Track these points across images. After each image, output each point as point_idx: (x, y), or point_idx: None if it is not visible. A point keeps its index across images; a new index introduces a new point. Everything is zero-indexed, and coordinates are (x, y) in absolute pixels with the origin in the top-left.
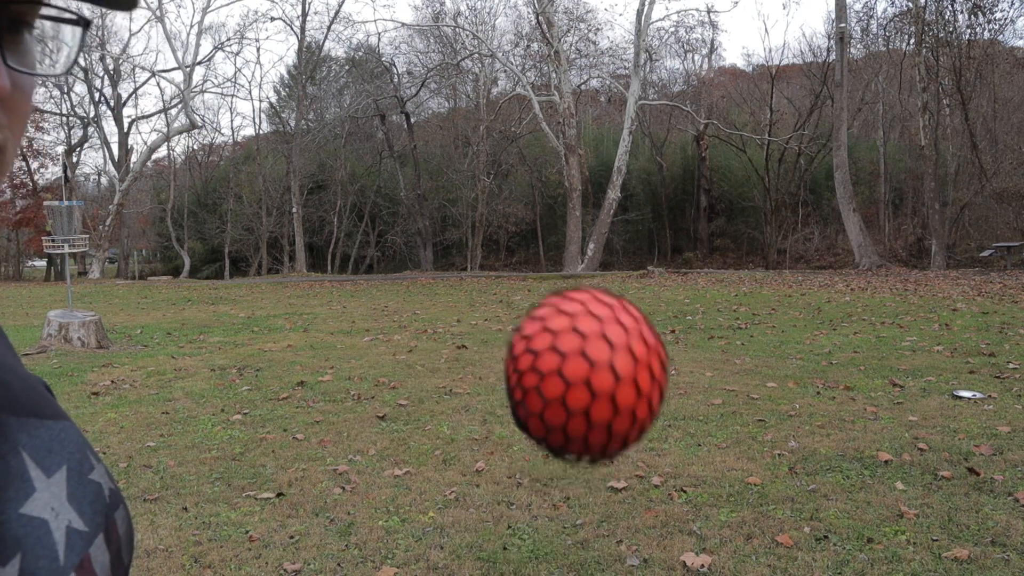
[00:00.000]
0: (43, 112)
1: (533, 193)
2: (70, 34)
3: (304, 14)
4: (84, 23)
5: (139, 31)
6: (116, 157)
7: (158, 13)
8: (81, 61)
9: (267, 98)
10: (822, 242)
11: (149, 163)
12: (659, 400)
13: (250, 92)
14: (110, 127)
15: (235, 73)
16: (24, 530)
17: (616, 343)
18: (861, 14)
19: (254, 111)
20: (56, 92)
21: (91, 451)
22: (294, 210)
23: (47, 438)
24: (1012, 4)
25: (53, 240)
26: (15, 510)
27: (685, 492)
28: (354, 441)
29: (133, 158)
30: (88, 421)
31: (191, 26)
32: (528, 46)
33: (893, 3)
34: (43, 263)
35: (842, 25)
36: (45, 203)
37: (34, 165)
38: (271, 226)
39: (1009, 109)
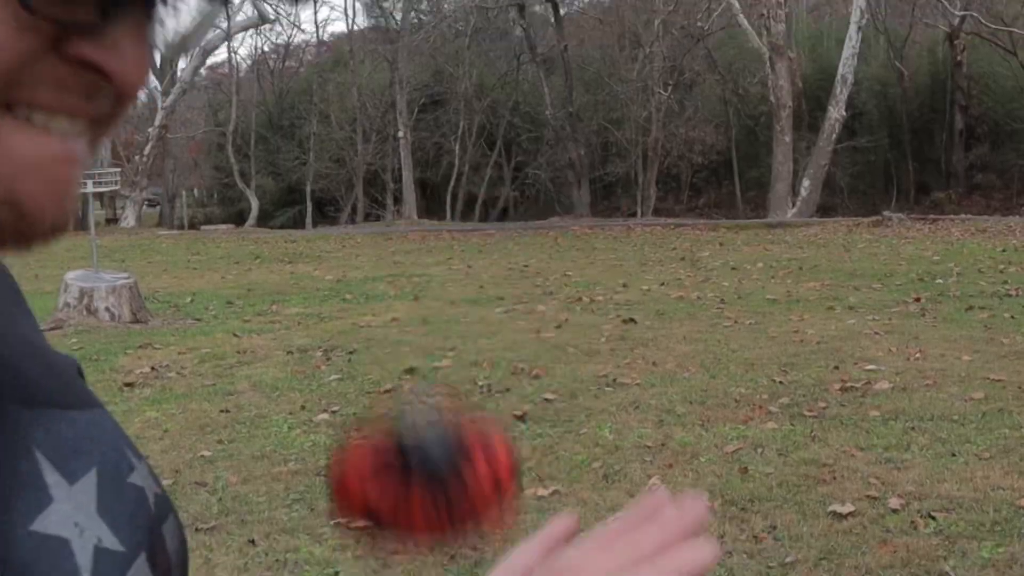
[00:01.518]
0: None
1: (727, 111)
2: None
3: None
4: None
5: None
6: (158, 61)
7: None
8: None
9: None
10: None
11: (203, 70)
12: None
13: None
14: None
15: None
16: (34, 553)
17: None
18: None
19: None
20: None
21: (130, 447)
22: (400, 135)
23: (71, 434)
24: None
25: None
26: (24, 527)
27: (934, 519)
28: None
29: (181, 63)
30: (120, 421)
31: None
32: None
33: None
34: None
35: None
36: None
37: None
38: (369, 156)
39: None
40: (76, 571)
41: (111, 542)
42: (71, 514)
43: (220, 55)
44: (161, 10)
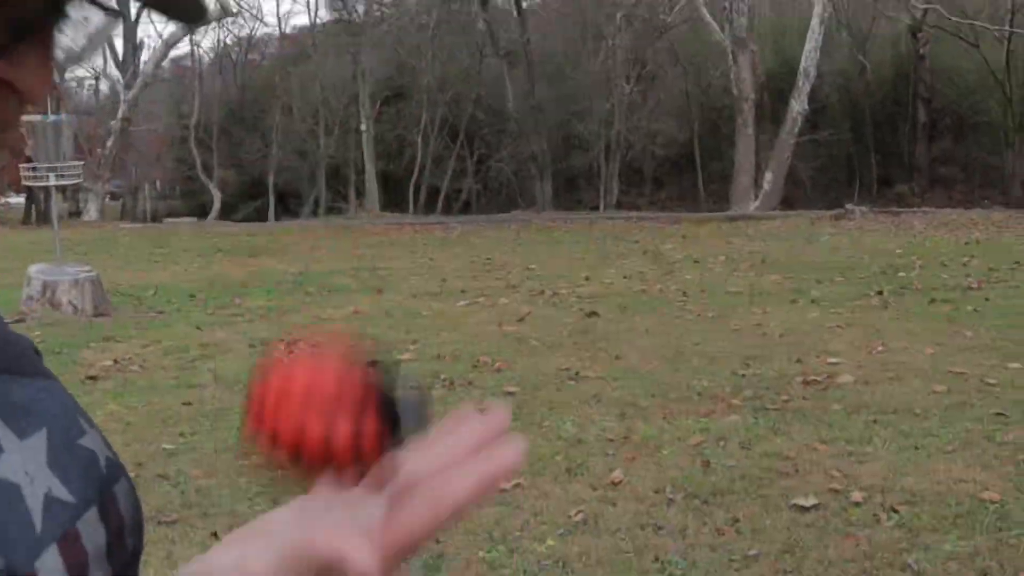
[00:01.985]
0: None
1: (689, 104)
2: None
3: None
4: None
5: None
6: (120, 55)
7: None
8: None
9: None
10: None
11: (166, 63)
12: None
13: None
14: None
15: None
16: None
17: None
18: None
19: None
20: None
21: (82, 414)
22: (363, 127)
23: (23, 397)
24: None
25: (34, 169)
26: None
27: (897, 512)
28: None
29: (144, 56)
30: None
31: None
32: None
33: None
34: (21, 200)
35: None
36: (23, 118)
37: None
38: (332, 149)
39: None
40: (27, 512)
41: (61, 493)
42: (21, 464)
43: (183, 48)
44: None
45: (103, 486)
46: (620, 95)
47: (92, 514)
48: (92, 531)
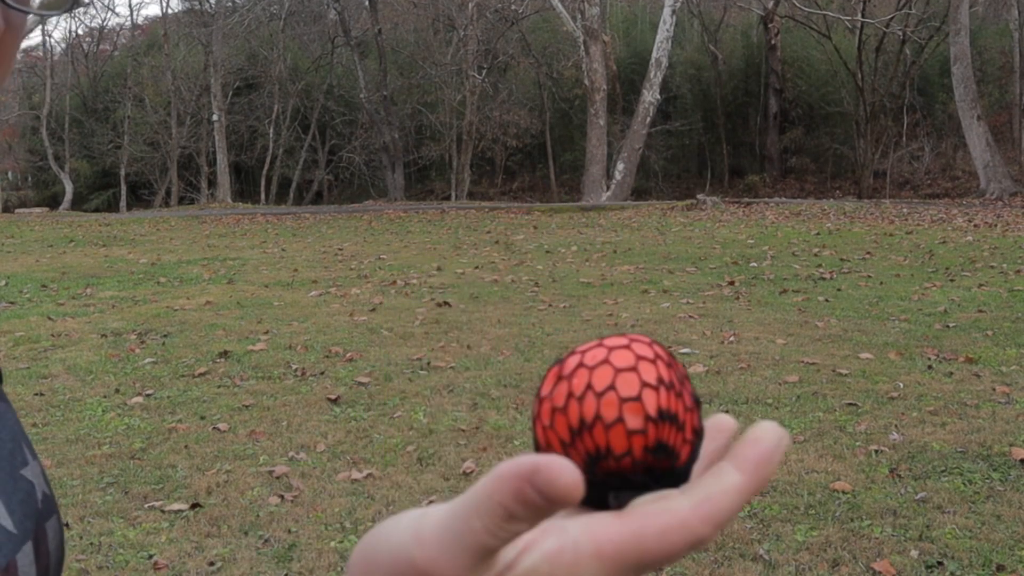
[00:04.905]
0: None
1: (541, 95)
2: None
3: None
4: None
5: None
6: None
7: None
8: None
9: None
10: (935, 161)
11: (17, 54)
12: None
13: None
14: None
15: None
16: None
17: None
18: None
19: None
20: None
21: (27, 444)
22: (215, 118)
23: None
24: None
25: None
26: None
27: (748, 502)
28: (297, 433)
29: None
30: None
31: None
32: None
33: None
34: None
35: None
36: None
37: None
38: (184, 140)
39: None
40: None
41: (6, 522)
42: None
43: (34, 38)
44: None
45: (39, 519)
46: (472, 85)
47: (28, 547)
48: (27, 565)
